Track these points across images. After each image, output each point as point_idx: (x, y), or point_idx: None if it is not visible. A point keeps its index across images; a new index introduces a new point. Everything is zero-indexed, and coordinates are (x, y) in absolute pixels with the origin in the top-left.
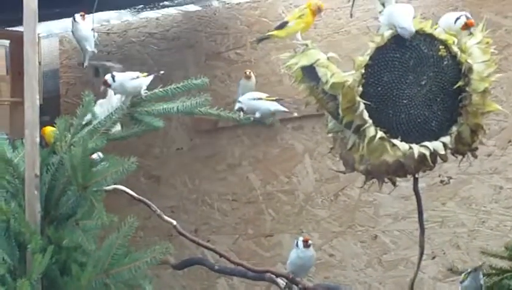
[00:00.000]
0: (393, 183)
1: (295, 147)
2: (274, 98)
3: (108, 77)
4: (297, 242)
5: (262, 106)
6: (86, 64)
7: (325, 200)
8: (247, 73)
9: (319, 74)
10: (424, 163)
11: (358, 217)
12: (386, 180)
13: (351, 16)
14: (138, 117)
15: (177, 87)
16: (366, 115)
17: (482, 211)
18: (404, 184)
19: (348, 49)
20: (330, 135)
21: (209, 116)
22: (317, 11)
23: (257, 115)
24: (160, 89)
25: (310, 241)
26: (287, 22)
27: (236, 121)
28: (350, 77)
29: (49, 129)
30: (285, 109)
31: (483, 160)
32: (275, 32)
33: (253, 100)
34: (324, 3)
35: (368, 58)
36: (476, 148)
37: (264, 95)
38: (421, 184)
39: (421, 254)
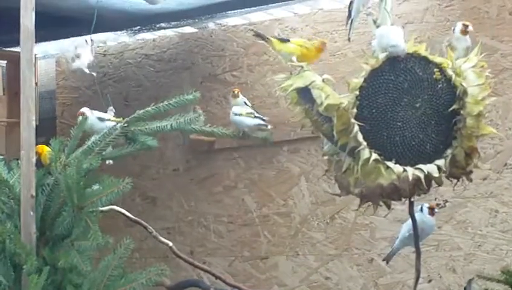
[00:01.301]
0: (388, 207)
1: (291, 169)
2: (254, 115)
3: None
4: (421, 207)
5: (241, 121)
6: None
7: (321, 223)
8: (235, 92)
9: (314, 95)
10: (419, 186)
11: (355, 240)
12: (381, 203)
13: (349, 40)
14: (132, 136)
15: (170, 104)
16: (360, 137)
17: (478, 234)
18: (400, 207)
19: (344, 72)
20: (326, 157)
21: (205, 136)
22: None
23: (246, 129)
24: (153, 107)
25: (436, 210)
26: (288, 40)
27: (230, 137)
28: (345, 99)
29: (45, 149)
30: (263, 122)
31: (479, 184)
32: (274, 40)
33: (234, 115)
34: (320, 26)
35: (362, 80)
36: (471, 172)
37: (244, 111)
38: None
39: (417, 277)
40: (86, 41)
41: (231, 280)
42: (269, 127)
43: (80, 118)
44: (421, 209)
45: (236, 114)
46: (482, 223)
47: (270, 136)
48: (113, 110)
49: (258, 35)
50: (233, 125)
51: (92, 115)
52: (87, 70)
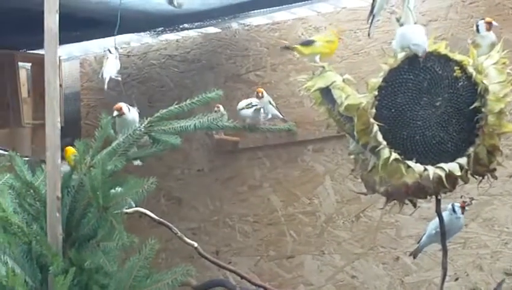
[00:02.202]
0: (414, 205)
1: (316, 168)
2: (251, 104)
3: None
4: (453, 207)
5: (245, 113)
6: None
7: (347, 222)
8: (259, 94)
9: (335, 96)
10: (443, 184)
11: (380, 239)
12: (407, 201)
13: (369, 35)
14: (156, 136)
15: (193, 102)
16: (380, 136)
17: (504, 232)
18: (426, 205)
19: (368, 71)
20: (351, 156)
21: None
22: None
23: (248, 121)
24: (176, 106)
25: (466, 209)
26: (314, 41)
27: (236, 130)
28: (364, 99)
29: (70, 151)
30: (259, 106)
31: (505, 181)
32: (299, 47)
33: (240, 110)
34: (344, 24)
35: (381, 80)
36: (495, 169)
37: (244, 104)
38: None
39: (444, 275)
40: (110, 50)
41: (257, 280)
42: (261, 110)
43: (115, 112)
44: (453, 209)
45: (239, 109)
46: (509, 220)
47: (293, 126)
48: (138, 111)
49: (285, 48)
50: (241, 121)
51: (129, 112)
52: (114, 77)
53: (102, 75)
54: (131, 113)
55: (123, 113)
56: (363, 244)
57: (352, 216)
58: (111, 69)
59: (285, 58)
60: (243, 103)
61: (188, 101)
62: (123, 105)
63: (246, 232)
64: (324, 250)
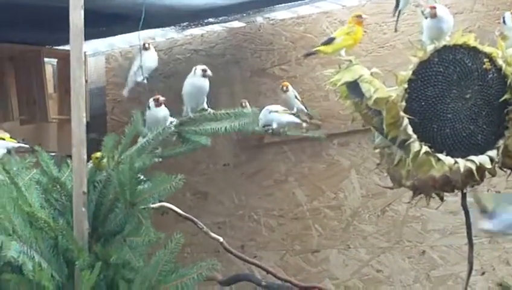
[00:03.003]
0: (441, 199)
1: (341, 162)
2: (290, 112)
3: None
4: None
5: (276, 118)
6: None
7: (372, 216)
8: (284, 88)
9: (363, 89)
10: (472, 177)
11: (406, 233)
12: (433, 195)
13: (396, 30)
14: (186, 136)
15: (227, 113)
16: (410, 130)
17: None
18: (452, 199)
19: (394, 64)
20: (377, 150)
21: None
22: (360, 20)
23: (274, 125)
24: (211, 112)
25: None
26: (334, 38)
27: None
28: (394, 92)
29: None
30: (298, 121)
31: None
32: (321, 48)
33: (270, 113)
34: (369, 17)
35: (410, 73)
36: None
37: (280, 109)
38: (470, 199)
39: (470, 269)
40: (145, 46)
41: (282, 274)
42: (304, 125)
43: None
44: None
45: (271, 111)
46: None
47: (322, 135)
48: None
49: (307, 55)
50: (267, 121)
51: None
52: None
53: (139, 72)
54: (163, 110)
55: (160, 104)
56: (389, 238)
57: (377, 210)
58: (151, 64)
59: None
60: (276, 107)
61: (222, 111)
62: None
63: (271, 226)
64: (349, 244)
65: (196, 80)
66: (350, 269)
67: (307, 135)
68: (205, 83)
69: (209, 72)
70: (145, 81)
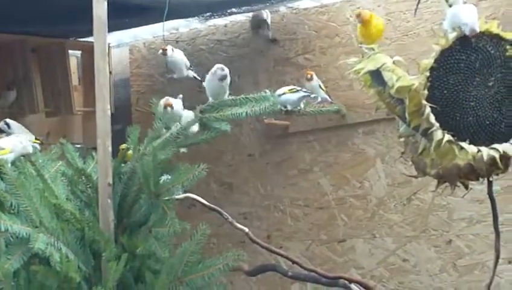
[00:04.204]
0: (466, 187)
1: (366, 151)
2: (296, 89)
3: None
4: None
5: (286, 99)
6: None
7: (398, 205)
8: (309, 76)
9: (385, 78)
10: (496, 166)
11: (432, 221)
12: (458, 183)
13: (415, 14)
14: (207, 123)
15: (247, 98)
16: (432, 118)
17: None
18: (479, 187)
19: (418, 52)
20: (402, 139)
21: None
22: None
23: (289, 107)
24: (231, 98)
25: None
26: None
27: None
28: (416, 80)
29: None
30: (308, 94)
31: None
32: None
33: (279, 96)
34: (393, 5)
35: (433, 61)
36: None
37: (286, 89)
38: (496, 187)
39: (497, 258)
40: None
41: (308, 264)
42: (313, 95)
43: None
44: None
45: (280, 94)
46: None
47: (341, 107)
48: (181, 96)
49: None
50: (281, 104)
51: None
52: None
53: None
54: (178, 106)
55: (172, 108)
56: (415, 227)
57: (403, 199)
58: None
59: (334, 41)
60: (282, 89)
61: (242, 96)
62: (173, 101)
63: (296, 216)
64: (375, 233)
65: (213, 82)
66: (376, 258)
67: (332, 125)
68: (220, 85)
69: (225, 72)
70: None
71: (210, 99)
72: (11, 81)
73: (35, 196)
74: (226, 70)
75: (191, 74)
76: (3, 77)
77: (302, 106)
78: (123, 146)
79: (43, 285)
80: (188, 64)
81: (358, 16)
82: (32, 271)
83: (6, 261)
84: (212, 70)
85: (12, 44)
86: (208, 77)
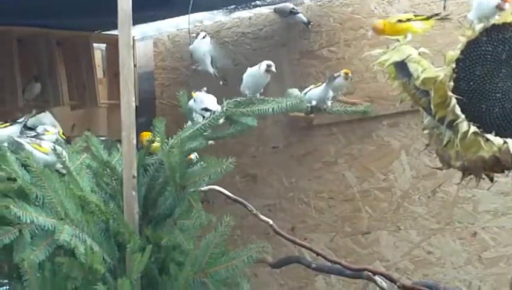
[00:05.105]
0: (491, 179)
1: (391, 143)
2: (320, 84)
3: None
4: None
5: (311, 95)
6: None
7: (423, 197)
8: (348, 74)
9: (411, 69)
10: None
11: (457, 214)
12: (483, 176)
13: (444, 8)
14: (234, 118)
15: (274, 101)
16: (458, 110)
17: None
18: (504, 180)
19: (443, 44)
20: (426, 131)
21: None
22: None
23: (313, 103)
24: (260, 97)
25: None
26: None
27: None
28: (442, 72)
29: (146, 135)
30: (331, 82)
31: None
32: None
33: (305, 94)
34: None
35: (459, 52)
36: None
37: (313, 86)
38: None
39: None
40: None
41: (332, 256)
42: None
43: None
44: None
45: (306, 92)
46: None
47: (369, 107)
48: (205, 89)
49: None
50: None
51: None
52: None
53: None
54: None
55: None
56: (440, 219)
57: (428, 191)
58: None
59: (358, 34)
60: (310, 87)
61: (271, 98)
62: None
63: (321, 208)
64: (400, 226)
65: (258, 75)
66: (401, 250)
67: (356, 117)
68: (266, 79)
69: (273, 69)
70: (216, 73)
71: (247, 92)
72: (36, 74)
73: (60, 188)
74: (273, 66)
75: (211, 69)
76: (28, 70)
77: (328, 103)
78: (145, 133)
79: (68, 277)
80: (211, 58)
81: (374, 29)
82: (57, 263)
83: (32, 252)
84: (256, 66)
85: (37, 37)
86: (251, 69)
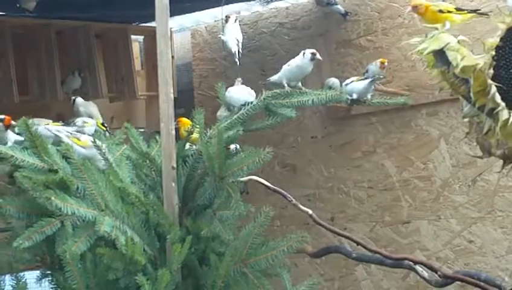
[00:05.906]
0: None
1: (430, 132)
2: (363, 78)
3: None
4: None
5: (353, 88)
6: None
7: (463, 186)
8: (385, 64)
9: (450, 57)
10: None
11: (498, 202)
12: None
13: None
14: (273, 109)
15: (313, 93)
16: (498, 98)
17: None
18: None
19: (482, 32)
20: (466, 119)
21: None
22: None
23: (354, 96)
24: (299, 90)
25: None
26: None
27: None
28: (481, 59)
29: (184, 122)
30: (373, 78)
31: None
32: None
33: (346, 85)
34: None
35: (498, 40)
36: None
37: (355, 78)
38: None
39: None
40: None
41: (372, 246)
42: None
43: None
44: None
45: (347, 84)
46: None
47: (408, 99)
48: (241, 80)
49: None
50: (347, 93)
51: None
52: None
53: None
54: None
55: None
56: (480, 208)
57: (468, 180)
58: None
59: (396, 22)
60: (351, 79)
61: (310, 89)
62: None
63: (360, 198)
64: (440, 215)
65: (303, 63)
66: (441, 240)
67: (395, 106)
68: (310, 67)
69: (318, 56)
70: (237, 53)
71: (284, 82)
72: (75, 67)
73: (100, 180)
74: (318, 54)
75: (235, 48)
76: (67, 62)
77: (369, 96)
78: (184, 121)
79: (109, 267)
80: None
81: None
82: (99, 254)
83: (73, 244)
84: (300, 54)
85: (76, 30)
86: (295, 60)
